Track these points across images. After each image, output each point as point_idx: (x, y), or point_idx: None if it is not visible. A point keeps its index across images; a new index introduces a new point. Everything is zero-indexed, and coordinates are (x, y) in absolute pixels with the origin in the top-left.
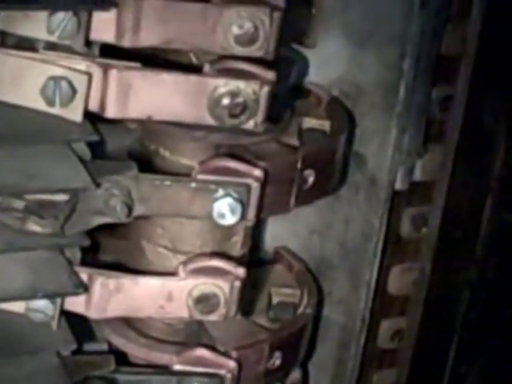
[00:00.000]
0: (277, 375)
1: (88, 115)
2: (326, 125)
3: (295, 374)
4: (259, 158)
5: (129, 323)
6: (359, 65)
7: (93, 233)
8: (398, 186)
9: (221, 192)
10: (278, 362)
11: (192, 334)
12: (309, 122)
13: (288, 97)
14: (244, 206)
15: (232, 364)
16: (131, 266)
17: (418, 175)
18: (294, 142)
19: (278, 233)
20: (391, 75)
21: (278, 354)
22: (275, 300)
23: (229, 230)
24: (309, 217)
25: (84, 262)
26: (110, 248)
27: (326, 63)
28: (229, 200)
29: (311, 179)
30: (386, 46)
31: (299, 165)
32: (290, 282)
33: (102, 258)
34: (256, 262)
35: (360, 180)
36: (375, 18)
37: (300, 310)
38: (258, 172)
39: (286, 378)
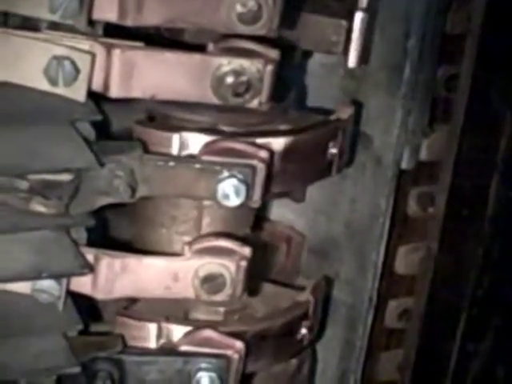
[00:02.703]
0: None
1: (92, 95)
2: None
3: None
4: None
5: None
6: None
7: (101, 212)
8: (404, 165)
9: (225, 173)
10: None
11: None
12: None
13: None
14: (249, 188)
15: (239, 345)
16: (140, 247)
17: (424, 155)
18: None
19: (283, 213)
20: (396, 55)
21: None
22: None
23: (234, 211)
24: (315, 197)
25: (92, 242)
26: (120, 228)
27: None
28: (233, 181)
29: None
30: (390, 26)
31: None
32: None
33: (113, 236)
34: None
35: (366, 160)
36: None
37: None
38: (263, 153)
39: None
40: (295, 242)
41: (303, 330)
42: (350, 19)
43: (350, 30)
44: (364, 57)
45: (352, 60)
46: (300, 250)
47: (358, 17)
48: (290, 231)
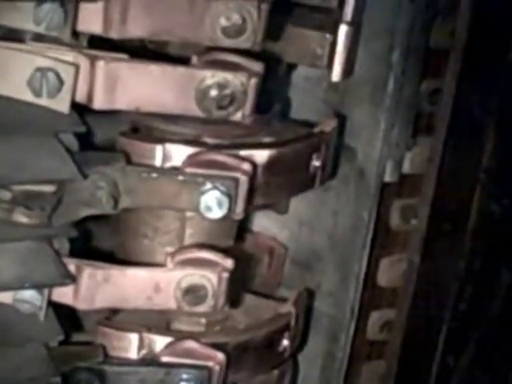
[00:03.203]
0: None
1: (76, 107)
2: None
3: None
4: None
5: None
6: None
7: (84, 223)
8: (387, 178)
9: (208, 185)
10: None
11: None
12: None
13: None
14: (231, 200)
15: (220, 356)
16: (122, 257)
17: (407, 167)
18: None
19: (266, 224)
20: (380, 68)
21: None
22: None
23: (216, 223)
24: (298, 209)
25: (75, 253)
26: (103, 238)
27: None
28: (216, 193)
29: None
30: (374, 40)
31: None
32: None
33: (96, 247)
34: None
35: (349, 172)
36: (364, 12)
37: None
38: (246, 166)
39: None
40: (277, 253)
41: (285, 342)
42: (335, 32)
43: (334, 44)
44: (348, 70)
45: (336, 74)
46: (282, 262)
47: (343, 30)
48: (272, 242)
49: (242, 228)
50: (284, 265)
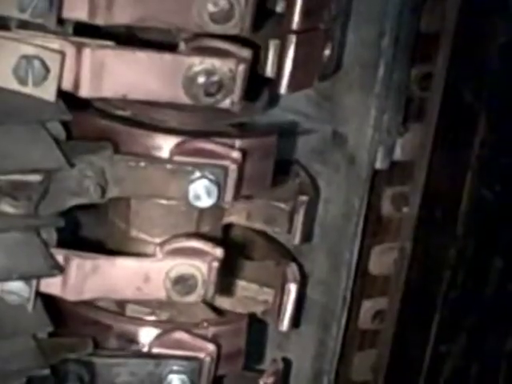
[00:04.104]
0: None
1: (63, 95)
2: None
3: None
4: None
5: None
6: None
7: (72, 213)
8: (378, 165)
9: (197, 174)
10: None
11: None
12: None
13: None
14: (220, 188)
15: (211, 347)
16: (111, 247)
17: (398, 154)
18: None
19: None
20: (370, 54)
21: None
22: None
23: (206, 212)
24: None
25: (63, 243)
26: (92, 228)
27: None
28: (205, 182)
29: None
30: (364, 25)
31: None
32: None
33: (85, 237)
34: None
35: (340, 160)
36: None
37: None
38: (235, 154)
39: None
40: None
41: None
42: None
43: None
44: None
45: (282, 88)
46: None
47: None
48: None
49: None
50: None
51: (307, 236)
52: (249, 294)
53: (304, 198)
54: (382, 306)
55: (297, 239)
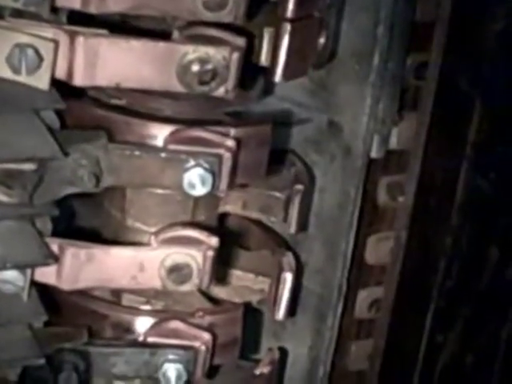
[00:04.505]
0: None
1: (56, 84)
2: None
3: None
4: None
5: None
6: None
7: (67, 201)
8: (374, 154)
9: (191, 162)
10: None
11: None
12: None
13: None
14: (215, 177)
15: (206, 336)
16: (106, 236)
17: (393, 143)
18: None
19: None
20: (365, 43)
21: None
22: None
23: (201, 200)
24: None
25: (58, 233)
26: (87, 217)
27: None
28: (199, 170)
29: None
30: (359, 14)
31: None
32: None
33: (80, 226)
34: None
35: (335, 149)
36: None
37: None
38: (230, 142)
39: None
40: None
41: None
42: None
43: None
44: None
45: (277, 76)
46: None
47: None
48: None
49: None
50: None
51: (303, 225)
52: (245, 283)
53: (299, 187)
54: (378, 295)
55: (292, 228)
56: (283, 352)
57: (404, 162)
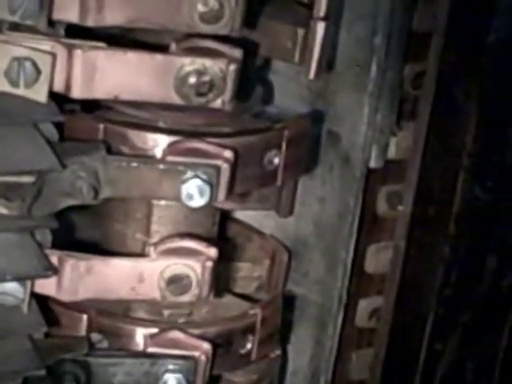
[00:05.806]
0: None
1: (54, 96)
2: None
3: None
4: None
5: None
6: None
7: (67, 214)
8: (373, 164)
9: (189, 173)
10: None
11: None
12: None
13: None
14: (213, 188)
15: (206, 346)
16: (106, 247)
17: (392, 153)
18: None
19: (252, 213)
20: (363, 53)
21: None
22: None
23: (199, 211)
24: None
25: (57, 245)
26: (86, 229)
27: None
28: (197, 181)
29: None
30: (356, 23)
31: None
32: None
33: (79, 238)
34: None
35: (334, 159)
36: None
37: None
38: (228, 153)
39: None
40: (279, 258)
41: (248, 345)
42: (308, 28)
43: (307, 38)
44: (324, 67)
45: (312, 73)
46: (284, 268)
47: (317, 26)
48: (276, 247)
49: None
50: (286, 271)
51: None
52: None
53: None
54: (379, 304)
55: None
56: (284, 361)
57: (403, 172)
